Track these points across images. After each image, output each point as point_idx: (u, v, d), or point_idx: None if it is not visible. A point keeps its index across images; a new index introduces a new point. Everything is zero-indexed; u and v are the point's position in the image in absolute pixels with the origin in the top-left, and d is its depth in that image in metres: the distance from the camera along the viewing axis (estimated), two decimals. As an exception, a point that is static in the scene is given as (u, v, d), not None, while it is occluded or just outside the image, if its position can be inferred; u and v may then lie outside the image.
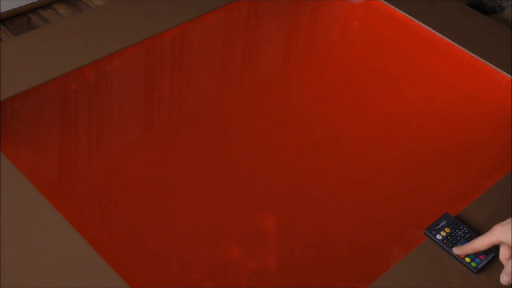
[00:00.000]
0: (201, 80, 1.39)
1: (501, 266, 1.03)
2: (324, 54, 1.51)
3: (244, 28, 1.51)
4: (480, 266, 1.03)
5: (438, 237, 1.06)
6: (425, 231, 1.07)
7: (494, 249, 1.04)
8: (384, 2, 1.56)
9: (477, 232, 1.06)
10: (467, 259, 1.03)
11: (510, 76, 1.40)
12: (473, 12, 1.56)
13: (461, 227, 1.07)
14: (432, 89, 1.43)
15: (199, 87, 1.38)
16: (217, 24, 1.49)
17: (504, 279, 1.00)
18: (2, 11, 1.49)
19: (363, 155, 1.28)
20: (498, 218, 1.04)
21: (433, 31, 1.49)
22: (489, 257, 1.04)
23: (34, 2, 1.54)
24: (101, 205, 1.13)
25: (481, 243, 1.01)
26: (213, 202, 1.16)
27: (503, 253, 1.00)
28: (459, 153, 1.30)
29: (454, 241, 1.05)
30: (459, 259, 1.04)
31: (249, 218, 1.14)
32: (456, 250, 1.04)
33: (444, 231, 1.07)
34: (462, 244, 1.05)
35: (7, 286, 0.93)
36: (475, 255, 1.04)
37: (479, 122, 1.37)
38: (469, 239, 1.06)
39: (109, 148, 1.26)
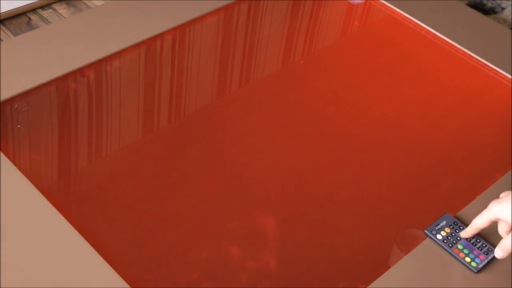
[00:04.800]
0: (201, 80, 1.39)
1: (501, 267, 1.03)
2: (324, 54, 1.51)
3: (244, 28, 1.51)
4: (480, 266, 1.03)
5: (438, 237, 1.06)
6: (425, 231, 1.07)
7: (494, 250, 1.04)
8: (384, 2, 1.56)
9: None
10: (467, 259, 1.03)
11: (510, 76, 1.40)
12: (473, 12, 1.56)
13: (461, 227, 1.07)
14: (432, 89, 1.43)
15: (199, 87, 1.38)
16: (217, 24, 1.49)
17: (498, 253, 1.01)
18: (2, 11, 1.49)
19: (363, 155, 1.28)
20: (498, 218, 1.04)
21: (433, 31, 1.49)
22: (489, 257, 1.04)
23: (34, 2, 1.54)
24: (101, 205, 1.13)
25: (481, 221, 1.02)
26: (213, 202, 1.16)
27: (501, 228, 1.02)
28: (459, 153, 1.30)
29: (454, 241, 1.05)
30: (459, 259, 1.04)
31: (249, 218, 1.14)
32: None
33: (444, 231, 1.07)
34: (462, 244, 1.05)
35: (7, 286, 0.93)
36: (475, 255, 1.04)
37: (479, 122, 1.37)
38: (468, 239, 1.06)
39: (109, 148, 1.26)
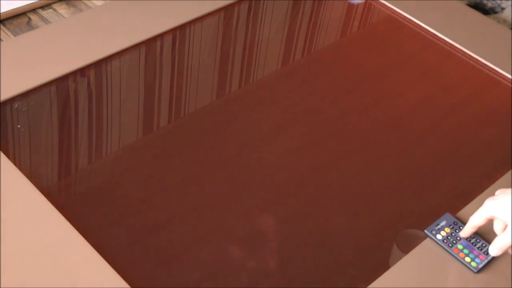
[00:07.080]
0: (201, 80, 1.39)
1: (501, 267, 1.03)
2: (324, 54, 1.51)
3: (244, 28, 1.51)
4: (480, 266, 1.03)
5: (438, 237, 1.06)
6: (425, 231, 1.07)
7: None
8: (384, 2, 1.56)
9: (476, 232, 1.06)
10: (467, 259, 1.03)
11: (510, 76, 1.40)
12: (473, 12, 1.56)
13: (461, 227, 1.07)
14: (432, 89, 1.43)
15: (199, 87, 1.38)
16: (217, 24, 1.49)
17: (493, 251, 1.02)
18: (2, 11, 1.49)
19: (363, 155, 1.28)
20: (498, 218, 1.04)
21: (433, 31, 1.49)
22: (489, 257, 1.04)
23: (34, 2, 1.54)
24: (101, 205, 1.13)
25: (477, 219, 1.02)
26: (213, 202, 1.16)
27: (497, 226, 1.02)
28: (459, 153, 1.30)
29: (454, 241, 1.05)
30: (459, 259, 1.04)
31: (249, 218, 1.14)
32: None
33: (444, 231, 1.07)
34: (462, 244, 1.05)
35: (7, 286, 0.93)
36: (475, 255, 1.04)
37: (479, 122, 1.37)
38: (468, 239, 1.06)
39: (109, 148, 1.26)
